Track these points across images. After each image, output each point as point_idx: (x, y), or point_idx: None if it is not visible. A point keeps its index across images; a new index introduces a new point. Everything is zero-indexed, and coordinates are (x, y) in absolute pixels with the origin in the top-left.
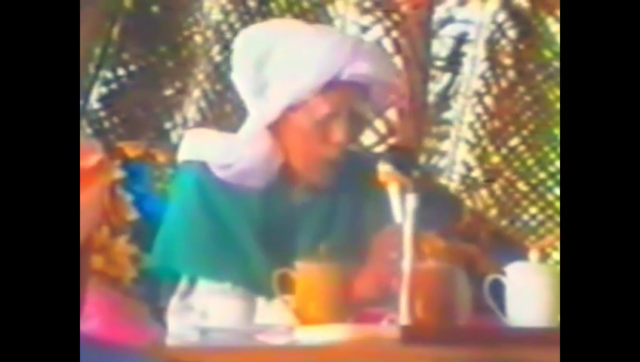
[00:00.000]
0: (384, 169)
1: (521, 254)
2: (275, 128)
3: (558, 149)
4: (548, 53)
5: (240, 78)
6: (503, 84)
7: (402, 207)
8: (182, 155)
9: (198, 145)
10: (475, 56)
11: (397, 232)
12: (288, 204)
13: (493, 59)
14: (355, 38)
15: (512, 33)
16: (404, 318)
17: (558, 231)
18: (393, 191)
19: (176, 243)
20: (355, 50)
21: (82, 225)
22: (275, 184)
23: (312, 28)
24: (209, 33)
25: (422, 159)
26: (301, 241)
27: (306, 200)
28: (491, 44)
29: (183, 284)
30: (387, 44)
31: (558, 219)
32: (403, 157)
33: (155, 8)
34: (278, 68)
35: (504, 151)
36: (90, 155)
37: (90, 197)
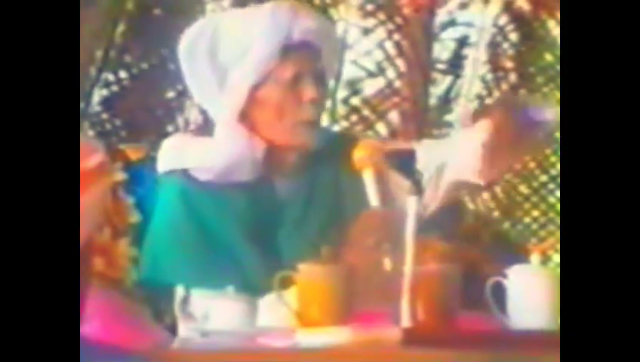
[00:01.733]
0: (358, 155)
1: (522, 257)
2: (248, 117)
3: (559, 152)
4: (549, 56)
5: (198, 79)
6: (504, 86)
7: (378, 191)
8: (162, 166)
9: (176, 152)
10: (476, 59)
11: (372, 216)
12: (274, 198)
13: (494, 62)
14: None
15: (513, 36)
16: (405, 320)
17: (559, 233)
18: (368, 176)
19: (165, 255)
20: (294, 9)
21: (84, 226)
22: (261, 175)
23: (246, 7)
24: None
25: None
26: (283, 231)
27: (290, 190)
28: (493, 47)
29: (179, 293)
30: (389, 46)
31: (559, 221)
32: (404, 160)
33: (157, 11)
34: (230, 50)
35: None
36: (92, 156)
37: (92, 199)
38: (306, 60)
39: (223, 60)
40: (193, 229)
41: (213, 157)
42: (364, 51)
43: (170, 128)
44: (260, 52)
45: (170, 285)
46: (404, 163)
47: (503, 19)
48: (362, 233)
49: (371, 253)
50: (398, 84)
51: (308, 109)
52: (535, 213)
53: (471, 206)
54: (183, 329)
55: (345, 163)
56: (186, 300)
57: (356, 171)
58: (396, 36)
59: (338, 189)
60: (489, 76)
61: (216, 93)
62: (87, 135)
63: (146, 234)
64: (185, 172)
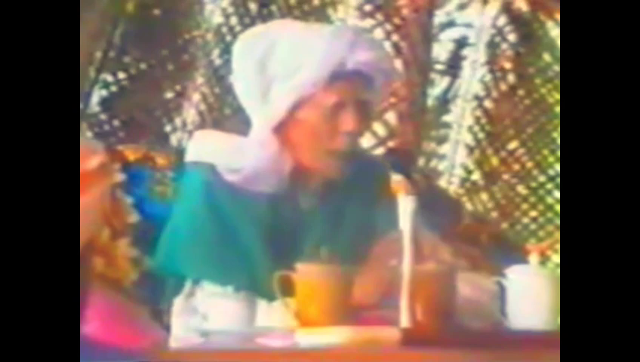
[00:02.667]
0: (396, 177)
1: (521, 257)
2: (283, 131)
3: (558, 152)
4: (548, 57)
5: (243, 83)
6: (503, 87)
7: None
8: (190, 156)
9: (206, 146)
10: (475, 59)
11: (398, 239)
12: (297, 209)
13: (493, 62)
14: (354, 27)
15: (512, 37)
16: (404, 321)
17: (558, 233)
18: (402, 199)
19: (181, 245)
20: (355, 39)
21: (85, 227)
22: (285, 188)
23: (311, 24)
24: (209, 36)
25: (421, 162)
26: (307, 246)
27: (315, 205)
28: (491, 47)
29: (187, 285)
30: (388, 47)
31: (557, 221)
32: (402, 160)
33: (156, 11)
34: (281, 66)
35: (503, 154)
36: (93, 157)
37: (92, 200)
38: (353, 89)
39: (271, 74)
40: (212, 223)
41: (241, 159)
42: None
43: (168, 128)
44: (309, 75)
45: (181, 275)
46: (403, 163)
47: (502, 20)
48: (387, 253)
49: (392, 271)
50: (396, 84)
51: (342, 139)
52: (533, 214)
53: (469, 206)
54: (181, 328)
55: (380, 186)
56: (192, 293)
57: (391, 194)
58: (395, 37)
59: (371, 210)
60: (488, 77)
61: (258, 101)
62: (86, 135)
63: (162, 224)
64: (211, 166)
